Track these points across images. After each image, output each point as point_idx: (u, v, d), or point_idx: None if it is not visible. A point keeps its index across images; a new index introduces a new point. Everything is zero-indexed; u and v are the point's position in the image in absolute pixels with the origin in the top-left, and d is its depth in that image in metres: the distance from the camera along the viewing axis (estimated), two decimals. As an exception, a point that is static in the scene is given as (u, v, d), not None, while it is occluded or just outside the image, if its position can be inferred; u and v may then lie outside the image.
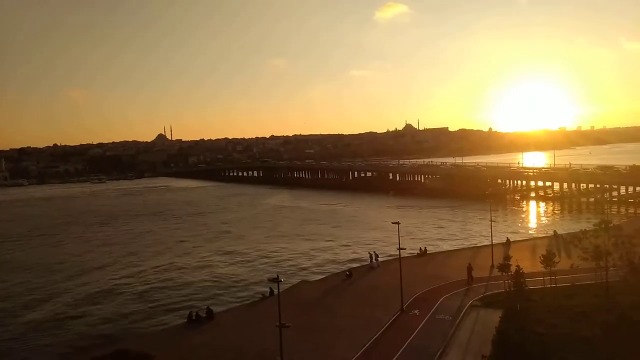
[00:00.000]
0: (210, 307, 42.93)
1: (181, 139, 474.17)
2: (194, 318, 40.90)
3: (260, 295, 46.99)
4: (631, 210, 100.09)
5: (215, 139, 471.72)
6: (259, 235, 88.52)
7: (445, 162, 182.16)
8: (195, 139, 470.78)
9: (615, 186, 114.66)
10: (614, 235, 41.84)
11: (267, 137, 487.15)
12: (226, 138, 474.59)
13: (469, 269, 47.45)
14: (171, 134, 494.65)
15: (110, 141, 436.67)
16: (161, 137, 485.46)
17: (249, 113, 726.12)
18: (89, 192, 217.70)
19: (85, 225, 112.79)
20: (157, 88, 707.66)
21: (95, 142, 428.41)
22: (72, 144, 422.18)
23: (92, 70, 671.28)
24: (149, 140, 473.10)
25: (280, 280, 26.09)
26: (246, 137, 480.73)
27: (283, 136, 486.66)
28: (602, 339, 30.09)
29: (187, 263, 68.87)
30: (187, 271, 64.27)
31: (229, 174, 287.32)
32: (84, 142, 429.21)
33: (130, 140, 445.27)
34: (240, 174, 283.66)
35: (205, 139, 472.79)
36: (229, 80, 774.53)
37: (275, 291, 37.41)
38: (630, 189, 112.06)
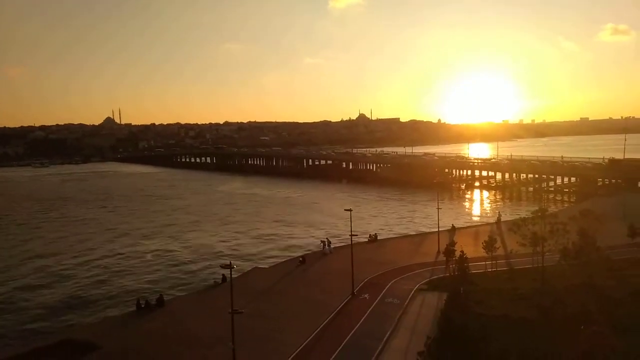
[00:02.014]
0: (161, 294, 42.22)
1: (131, 123, 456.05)
2: (143, 306, 40.10)
3: (213, 282, 46.70)
4: (566, 199, 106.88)
5: (167, 124, 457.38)
6: (212, 222, 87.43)
7: (397, 152, 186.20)
8: (145, 124, 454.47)
9: (552, 176, 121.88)
10: (550, 222, 44.59)
11: (221, 123, 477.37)
12: (178, 123, 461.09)
13: (447, 249, 48.80)
14: (120, 118, 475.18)
15: (54, 124, 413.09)
16: (109, 121, 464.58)
17: (202, 98, 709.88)
18: (30, 176, 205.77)
19: (29, 213, 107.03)
20: (103, 69, 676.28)
21: (37, 125, 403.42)
22: (11, 126, 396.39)
23: (30, 46, 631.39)
24: (96, 124, 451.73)
25: (233, 267, 26.09)
26: (199, 123, 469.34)
27: (237, 122, 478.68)
28: (538, 320, 32.33)
29: (137, 250, 67.12)
30: (136, 258, 62.68)
31: (181, 160, 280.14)
32: (25, 124, 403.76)
33: (76, 123, 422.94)
34: (193, 160, 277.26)
35: (157, 123, 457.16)
36: (181, 63, 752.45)
37: (228, 278, 37.39)
38: (566, 179, 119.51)
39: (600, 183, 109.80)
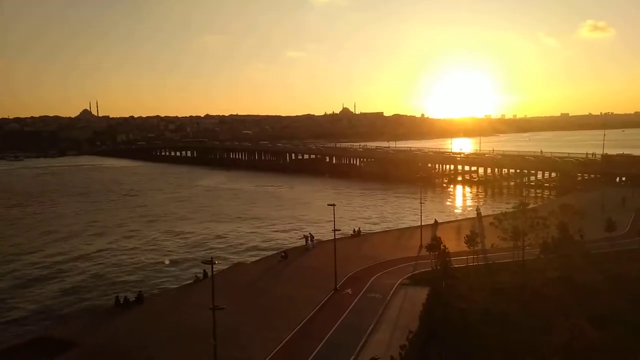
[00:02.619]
0: (141, 291, 41.45)
1: (108, 116, 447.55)
2: (122, 302, 39.29)
3: (194, 278, 46.03)
4: (546, 194, 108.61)
5: (147, 117, 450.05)
6: (193, 218, 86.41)
7: (380, 147, 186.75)
8: (124, 116, 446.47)
9: (533, 171, 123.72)
10: (531, 217, 45.10)
11: (202, 116, 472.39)
12: (158, 116, 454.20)
13: (430, 244, 48.87)
14: (97, 110, 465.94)
15: (29, 116, 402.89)
16: (86, 113, 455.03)
17: (182, 91, 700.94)
18: (3, 170, 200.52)
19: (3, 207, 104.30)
20: (78, 60, 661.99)
21: (11, 117, 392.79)
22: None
23: (0, 37, 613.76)
24: (73, 116, 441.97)
25: (214, 263, 25.63)
26: (179, 116, 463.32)
27: (219, 116, 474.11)
28: (519, 313, 32.67)
29: (116, 247, 65.96)
30: (117, 255, 61.58)
31: (161, 153, 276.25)
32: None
33: (52, 115, 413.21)
34: (173, 153, 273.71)
35: (135, 116, 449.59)
36: (160, 55, 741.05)
37: (209, 273, 36.84)
38: (547, 174, 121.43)
39: (580, 178, 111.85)
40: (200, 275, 45.30)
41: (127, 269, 55.38)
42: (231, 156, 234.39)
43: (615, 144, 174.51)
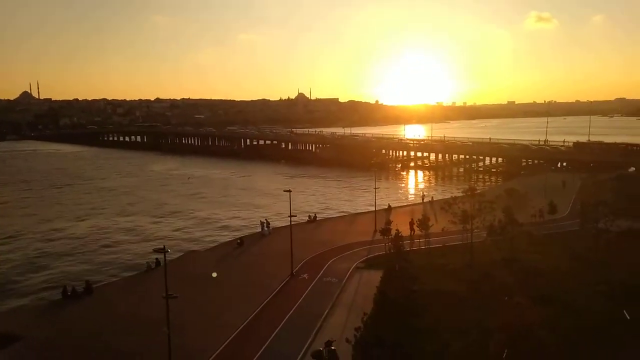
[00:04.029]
0: (89, 281, 39.96)
1: (50, 98, 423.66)
2: (69, 294, 37.76)
3: (145, 267, 44.84)
4: (493, 179, 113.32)
5: (92, 100, 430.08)
6: (144, 205, 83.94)
7: (336, 132, 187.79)
8: (67, 99, 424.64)
9: (482, 157, 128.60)
10: (478, 201, 46.89)
11: (152, 99, 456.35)
12: (105, 99, 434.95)
13: (411, 223, 50.06)
14: (38, 92, 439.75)
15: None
16: (26, 95, 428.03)
17: (130, 73, 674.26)
18: None
19: None
20: (17, 39, 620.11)
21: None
22: None
23: None
24: (11, 99, 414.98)
25: (167, 251, 24.97)
26: (128, 99, 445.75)
27: (170, 99, 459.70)
28: (467, 293, 34.12)
29: (61, 235, 63.11)
30: (62, 244, 58.98)
31: (108, 138, 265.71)
32: None
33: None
34: (122, 139, 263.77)
35: (80, 99, 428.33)
36: (106, 34, 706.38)
37: (162, 262, 36.01)
38: (494, 160, 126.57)
39: (524, 163, 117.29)
40: (153, 264, 44.19)
41: (75, 259, 53.23)
42: (183, 141, 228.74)
43: (557, 130, 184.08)
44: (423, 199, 72.92)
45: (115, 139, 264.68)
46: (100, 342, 29.55)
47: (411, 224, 50.42)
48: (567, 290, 34.49)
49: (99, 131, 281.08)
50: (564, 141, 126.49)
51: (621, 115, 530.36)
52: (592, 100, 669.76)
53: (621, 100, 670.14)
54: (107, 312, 34.50)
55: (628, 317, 28.72)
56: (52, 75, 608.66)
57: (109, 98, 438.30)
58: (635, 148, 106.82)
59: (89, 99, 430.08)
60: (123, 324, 32.03)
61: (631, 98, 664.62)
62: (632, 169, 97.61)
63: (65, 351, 28.98)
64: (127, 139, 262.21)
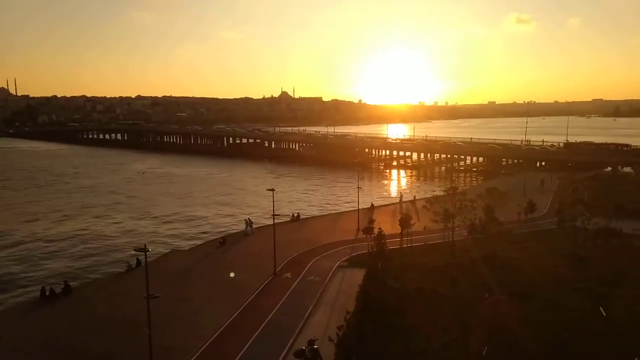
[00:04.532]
0: (66, 281, 39.24)
1: (28, 95, 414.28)
2: (47, 294, 37.04)
3: (126, 267, 44.25)
4: (474, 178, 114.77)
5: (71, 97, 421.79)
6: (124, 203, 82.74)
7: (320, 131, 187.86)
8: (46, 95, 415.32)
9: (463, 156, 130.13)
10: (459, 199, 47.54)
11: (133, 97, 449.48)
12: (84, 96, 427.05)
13: (401, 220, 50.21)
14: (16, 89, 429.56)
15: None
16: (3, 92, 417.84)
17: (110, 69, 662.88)
18: None
19: None
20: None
21: None
22: None
23: None
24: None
25: (148, 250, 24.67)
26: (108, 96, 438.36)
27: (151, 97, 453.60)
28: (448, 291, 34.50)
29: (40, 235, 61.78)
30: (40, 244, 57.73)
31: (88, 136, 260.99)
32: None
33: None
34: (102, 136, 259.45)
35: (59, 95, 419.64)
36: (86, 30, 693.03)
37: (142, 261, 35.58)
38: (475, 159, 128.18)
39: (504, 163, 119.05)
40: (133, 264, 43.66)
41: (53, 259, 52.21)
42: (165, 139, 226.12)
43: (536, 130, 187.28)
44: (401, 199, 73.71)
45: (95, 136, 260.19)
46: (78, 343, 29.07)
47: (401, 221, 50.71)
48: (546, 288, 35.18)
49: (79, 129, 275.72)
50: (542, 141, 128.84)
51: (598, 116, 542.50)
52: (570, 100, 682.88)
53: (598, 101, 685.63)
54: (85, 312, 33.95)
55: (604, 314, 29.42)
56: (29, 72, 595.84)
57: (89, 95, 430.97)
58: (625, 148, 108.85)
59: (68, 96, 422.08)
60: (102, 325, 31.55)
61: (607, 99, 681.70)
62: (609, 168, 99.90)
63: (42, 352, 28.43)
64: (107, 136, 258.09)
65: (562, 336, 27.16)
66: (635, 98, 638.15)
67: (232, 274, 39.96)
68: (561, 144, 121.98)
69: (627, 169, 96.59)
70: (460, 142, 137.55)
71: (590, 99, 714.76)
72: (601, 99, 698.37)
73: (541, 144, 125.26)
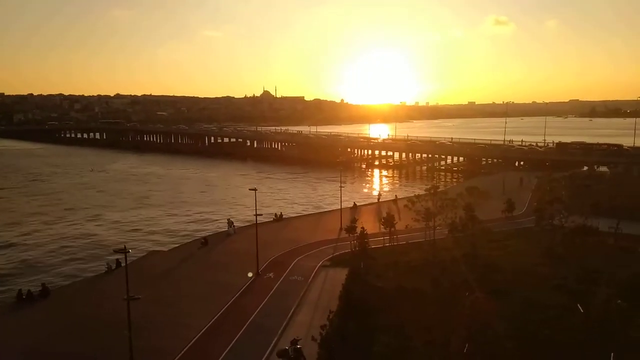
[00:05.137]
0: (44, 283, 38.40)
1: (3, 93, 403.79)
2: (24, 297, 36.19)
3: (106, 268, 43.51)
4: (455, 177, 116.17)
5: (48, 95, 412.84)
6: (103, 204, 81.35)
7: (302, 131, 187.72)
8: (21, 94, 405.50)
9: (444, 156, 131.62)
10: (441, 199, 48.05)
11: (112, 95, 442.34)
12: (62, 94, 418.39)
13: (385, 220, 50.29)
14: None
15: None
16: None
17: (89, 68, 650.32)
18: None
19: None
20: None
21: None
22: None
23: None
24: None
25: (128, 251, 24.29)
26: (86, 95, 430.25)
27: (131, 95, 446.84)
28: (430, 289, 34.86)
29: (17, 237, 60.33)
30: (17, 246, 56.41)
31: (65, 135, 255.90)
32: None
33: None
34: (80, 135, 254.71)
35: (35, 94, 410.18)
36: (64, 27, 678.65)
37: (123, 263, 35.07)
38: (456, 159, 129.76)
39: (484, 162, 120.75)
40: (113, 265, 42.95)
41: (30, 261, 51.04)
42: (145, 138, 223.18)
43: (515, 131, 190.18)
44: (379, 199, 74.51)
45: (74, 135, 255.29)
46: (56, 346, 28.49)
47: (385, 220, 51.00)
48: (525, 285, 35.82)
49: (56, 128, 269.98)
50: (521, 141, 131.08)
51: (575, 116, 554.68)
52: (547, 101, 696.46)
53: (575, 102, 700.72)
54: (64, 315, 33.27)
55: (582, 311, 30.09)
56: (4, 69, 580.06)
57: (66, 93, 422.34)
58: (615, 148, 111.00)
59: (45, 94, 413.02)
60: (81, 327, 30.96)
61: (584, 100, 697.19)
62: (585, 167, 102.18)
63: (19, 356, 27.75)
64: (85, 135, 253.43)
65: (541, 333, 27.69)
66: (611, 99, 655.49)
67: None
68: (549, 144, 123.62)
69: (603, 169, 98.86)
70: (449, 142, 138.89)
71: (567, 100, 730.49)
72: (578, 100, 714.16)
73: (531, 144, 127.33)
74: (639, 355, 25.02)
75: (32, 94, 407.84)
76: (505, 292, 33.18)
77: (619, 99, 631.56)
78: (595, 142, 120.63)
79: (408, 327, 29.16)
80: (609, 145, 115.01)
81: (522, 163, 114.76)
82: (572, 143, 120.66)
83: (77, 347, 28.28)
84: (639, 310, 29.13)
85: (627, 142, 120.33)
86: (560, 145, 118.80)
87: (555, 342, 26.74)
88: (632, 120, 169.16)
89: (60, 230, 63.22)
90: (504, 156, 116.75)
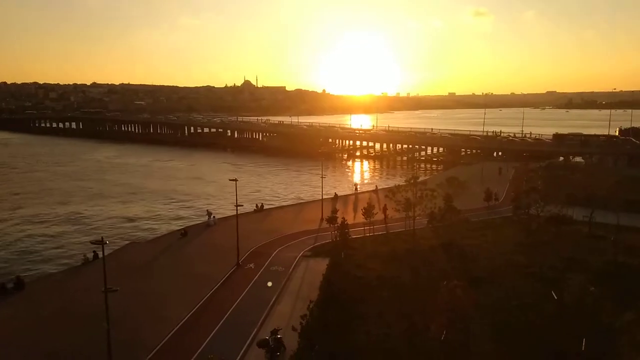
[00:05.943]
0: (19, 276, 37.55)
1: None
2: (-3, 290, 35.34)
3: (82, 260, 42.77)
4: (434, 167, 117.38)
5: (22, 83, 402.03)
6: (80, 195, 79.82)
7: (283, 121, 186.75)
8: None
9: (424, 147, 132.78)
10: (420, 189, 48.45)
11: (88, 84, 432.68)
12: (36, 83, 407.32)
13: (384, 209, 51.05)
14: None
15: None
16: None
17: (63, 55, 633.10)
18: None
19: None
20: None
21: None
22: None
23: None
24: None
25: (106, 243, 23.87)
26: (62, 83, 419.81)
27: (108, 84, 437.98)
28: (409, 278, 35.30)
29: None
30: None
31: (40, 124, 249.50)
32: None
33: None
34: (55, 125, 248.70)
35: (8, 82, 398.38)
36: (39, 14, 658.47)
37: (100, 254, 34.54)
38: (435, 149, 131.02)
39: (463, 153, 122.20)
40: (90, 257, 42.26)
41: (2, 252, 49.80)
42: (123, 128, 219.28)
43: (494, 122, 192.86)
44: (356, 189, 75.19)
45: (49, 125, 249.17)
46: (32, 340, 27.94)
47: (384, 209, 51.39)
48: (502, 273, 36.54)
49: (30, 117, 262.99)
50: (500, 131, 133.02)
51: (552, 108, 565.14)
52: (525, 93, 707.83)
53: (552, 94, 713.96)
54: (40, 308, 32.62)
55: (555, 297, 30.88)
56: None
57: (41, 82, 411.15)
58: (614, 139, 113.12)
59: (18, 83, 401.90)
60: (58, 321, 30.44)
61: (561, 91, 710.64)
62: (561, 158, 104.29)
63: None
64: (60, 125, 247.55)
65: (516, 319, 28.33)
66: (586, 90, 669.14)
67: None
68: (526, 135, 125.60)
69: (578, 159, 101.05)
70: (446, 133, 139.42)
71: (544, 91, 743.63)
72: (555, 92, 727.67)
73: (523, 135, 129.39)
74: (610, 340, 25.81)
75: (5, 82, 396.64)
76: (482, 280, 33.81)
77: (594, 90, 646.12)
78: (593, 133, 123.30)
79: (388, 315, 29.50)
80: (606, 136, 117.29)
81: (500, 153, 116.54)
82: (569, 134, 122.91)
83: (54, 341, 27.78)
84: (611, 296, 30.05)
85: (602, 132, 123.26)
86: (557, 136, 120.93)
87: (530, 328, 27.39)
88: (607, 111, 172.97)
89: (34, 221, 61.80)
90: (483, 147, 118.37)
